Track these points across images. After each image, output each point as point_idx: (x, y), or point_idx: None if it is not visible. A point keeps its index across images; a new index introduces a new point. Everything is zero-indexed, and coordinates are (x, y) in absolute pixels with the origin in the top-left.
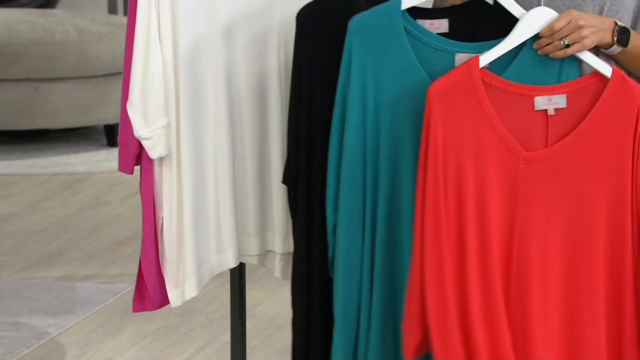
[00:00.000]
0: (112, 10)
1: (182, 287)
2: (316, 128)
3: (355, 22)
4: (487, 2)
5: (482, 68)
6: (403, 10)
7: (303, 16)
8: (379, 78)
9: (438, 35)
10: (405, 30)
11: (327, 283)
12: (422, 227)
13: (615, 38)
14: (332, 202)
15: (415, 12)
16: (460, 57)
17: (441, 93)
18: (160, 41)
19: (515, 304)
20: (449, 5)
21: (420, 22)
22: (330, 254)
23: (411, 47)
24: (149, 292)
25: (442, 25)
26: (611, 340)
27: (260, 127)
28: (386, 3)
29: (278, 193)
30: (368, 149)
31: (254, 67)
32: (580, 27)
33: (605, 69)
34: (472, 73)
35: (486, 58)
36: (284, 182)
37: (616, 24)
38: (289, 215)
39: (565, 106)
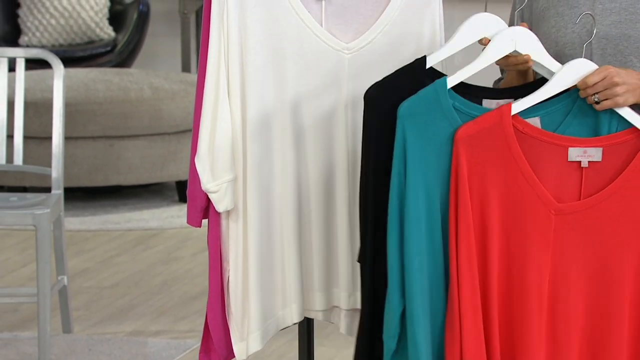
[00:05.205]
0: (186, 68)
1: (246, 340)
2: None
3: (405, 108)
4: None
5: (514, 115)
6: (449, 89)
7: (371, 95)
8: (435, 162)
9: (485, 107)
10: (455, 108)
11: None
12: (457, 271)
13: None
14: (398, 288)
15: (480, 92)
16: None
17: (469, 137)
18: (228, 97)
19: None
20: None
21: (486, 102)
22: (393, 344)
23: (463, 124)
24: (215, 344)
25: None
26: None
27: (326, 183)
28: (431, 85)
29: (343, 249)
30: (433, 230)
31: (322, 132)
32: (615, 84)
33: None
34: (503, 119)
35: (519, 106)
36: (358, 260)
37: None
38: (355, 272)
39: (600, 159)
